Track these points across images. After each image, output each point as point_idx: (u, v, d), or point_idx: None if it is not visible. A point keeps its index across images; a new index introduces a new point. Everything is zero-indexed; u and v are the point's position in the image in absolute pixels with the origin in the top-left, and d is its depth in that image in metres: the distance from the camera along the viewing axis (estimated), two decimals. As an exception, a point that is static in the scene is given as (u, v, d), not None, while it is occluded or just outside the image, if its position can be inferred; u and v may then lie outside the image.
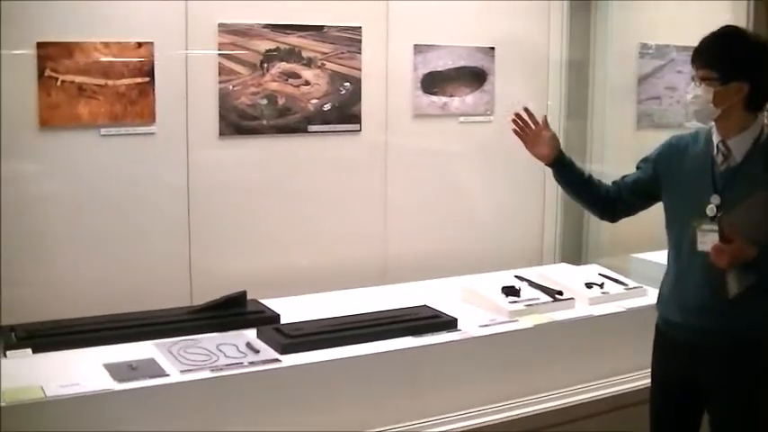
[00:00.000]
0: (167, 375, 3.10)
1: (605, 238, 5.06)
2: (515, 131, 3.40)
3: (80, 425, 2.88)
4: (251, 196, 4.27)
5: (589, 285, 4.17)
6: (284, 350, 3.35)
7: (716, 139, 3.02)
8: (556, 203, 5.08)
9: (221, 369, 3.17)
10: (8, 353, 3.25)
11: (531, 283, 4.16)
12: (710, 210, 2.95)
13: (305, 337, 3.45)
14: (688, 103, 3.04)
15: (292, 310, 3.83)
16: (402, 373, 3.49)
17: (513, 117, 3.39)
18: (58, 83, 3.74)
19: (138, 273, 4.01)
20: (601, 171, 4.60)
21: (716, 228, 2.87)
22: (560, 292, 4.04)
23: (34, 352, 3.27)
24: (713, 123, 3.03)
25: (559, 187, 3.51)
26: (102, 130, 3.86)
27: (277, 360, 3.29)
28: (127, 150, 3.94)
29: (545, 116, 3.41)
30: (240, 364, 3.22)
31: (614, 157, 5.01)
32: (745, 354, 2.98)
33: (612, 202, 3.30)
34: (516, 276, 4.25)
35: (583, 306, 4.03)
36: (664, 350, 3.21)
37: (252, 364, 3.24)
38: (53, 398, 2.87)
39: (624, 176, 3.33)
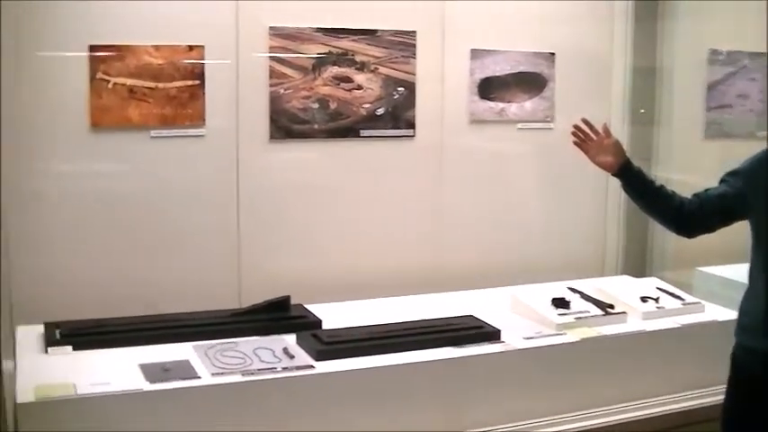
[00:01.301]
0: (198, 378, 3.09)
1: (671, 250, 4.89)
2: (575, 143, 3.32)
3: (108, 423, 2.89)
4: (302, 200, 4.26)
5: (644, 299, 4.03)
6: (319, 356, 3.32)
7: None
8: (619, 213, 4.92)
9: (252, 373, 3.15)
10: (50, 349, 3.30)
11: (584, 296, 4.04)
12: None
13: (341, 344, 3.41)
14: None
15: (336, 315, 3.79)
16: (440, 385, 3.40)
17: (573, 130, 3.31)
18: (110, 85, 3.79)
19: (187, 274, 4.04)
20: (666, 179, 4.48)
21: None
22: (612, 306, 3.91)
23: (75, 349, 3.32)
24: None
25: (624, 196, 3.38)
26: (153, 132, 3.91)
27: (311, 366, 3.25)
28: (177, 152, 3.97)
29: (605, 124, 3.31)
30: (273, 369, 3.19)
31: (680, 166, 4.85)
32: None
33: (690, 215, 3.04)
34: (569, 288, 4.13)
35: (635, 321, 3.88)
36: (747, 384, 2.91)
37: (285, 369, 3.21)
38: (83, 395, 2.89)
39: (707, 189, 3.08)
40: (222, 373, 3.14)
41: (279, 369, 3.21)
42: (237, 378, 3.11)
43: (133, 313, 3.67)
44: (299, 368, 3.23)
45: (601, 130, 3.29)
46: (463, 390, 3.43)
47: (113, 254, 3.92)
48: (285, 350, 3.39)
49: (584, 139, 3.30)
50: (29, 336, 3.46)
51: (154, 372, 3.12)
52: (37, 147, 3.75)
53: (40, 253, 3.80)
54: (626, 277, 4.68)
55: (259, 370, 3.18)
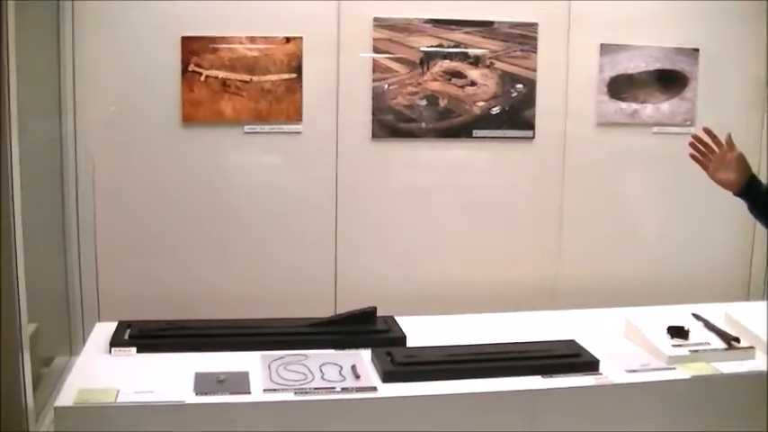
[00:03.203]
0: (248, 393, 2.89)
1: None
2: (693, 156, 2.99)
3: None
4: (406, 204, 4.04)
5: (780, 333, 3.51)
6: (386, 378, 3.04)
7: None
8: (769, 231, 4.37)
9: (306, 392, 2.91)
10: (113, 350, 3.21)
11: (708, 325, 3.56)
12: None
13: (413, 366, 3.10)
14: None
15: (428, 331, 3.49)
16: (518, 419, 3.04)
17: (691, 140, 2.98)
18: (202, 78, 3.67)
19: (279, 278, 3.92)
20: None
21: None
22: (737, 339, 3.42)
23: (139, 351, 3.21)
24: None
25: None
26: (246, 128, 3.77)
27: (373, 389, 2.98)
28: (271, 149, 3.84)
29: (729, 134, 2.92)
30: (330, 390, 2.94)
31: None
32: None
33: None
34: (693, 314, 3.66)
35: (764, 358, 3.38)
36: None
37: (344, 390, 2.95)
38: (119, 404, 2.76)
39: None
40: (275, 390, 2.92)
41: (337, 390, 2.95)
42: (289, 396, 2.88)
43: (220, 316, 3.52)
44: (359, 390, 2.96)
45: (724, 142, 2.90)
46: (542, 427, 3.07)
47: (203, 254, 3.85)
48: (353, 368, 3.13)
49: (705, 152, 2.93)
50: (103, 333, 3.38)
51: (206, 382, 2.94)
52: (126, 142, 3.71)
53: (129, 251, 3.79)
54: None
55: (315, 389, 2.93)
